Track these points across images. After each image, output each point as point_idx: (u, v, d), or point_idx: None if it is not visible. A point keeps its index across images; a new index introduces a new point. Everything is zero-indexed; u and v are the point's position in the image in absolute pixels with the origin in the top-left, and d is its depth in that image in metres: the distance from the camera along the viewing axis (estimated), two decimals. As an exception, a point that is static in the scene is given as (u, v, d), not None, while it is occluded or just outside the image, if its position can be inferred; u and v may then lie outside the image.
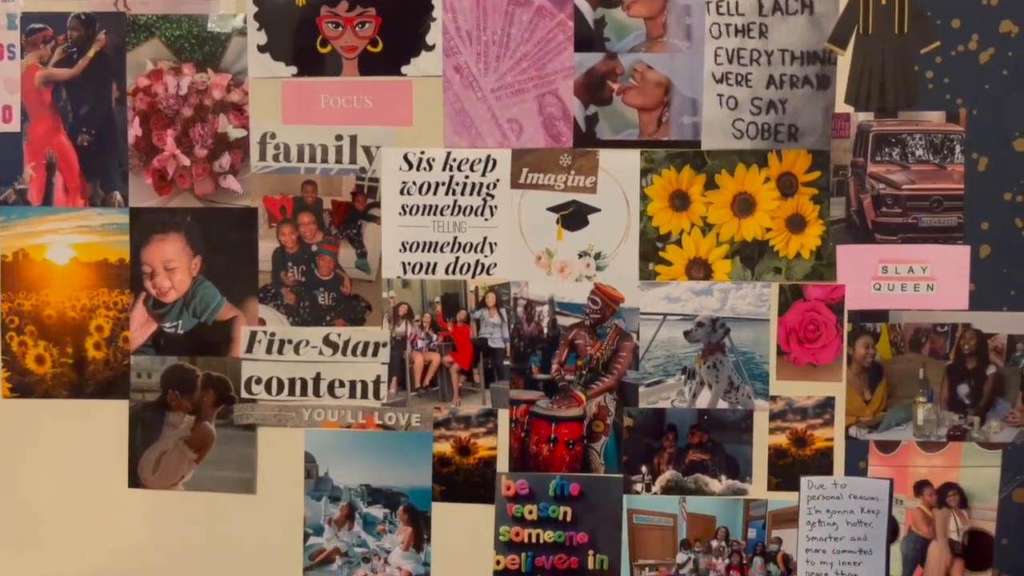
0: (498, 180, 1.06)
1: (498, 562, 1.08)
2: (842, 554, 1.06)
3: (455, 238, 1.07)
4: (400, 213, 1.07)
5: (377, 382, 1.08)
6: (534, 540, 1.08)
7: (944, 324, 1.05)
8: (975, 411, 1.05)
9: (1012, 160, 1.04)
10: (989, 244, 1.05)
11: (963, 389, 1.05)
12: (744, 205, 1.06)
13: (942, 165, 1.04)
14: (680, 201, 1.06)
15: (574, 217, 1.06)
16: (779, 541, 1.07)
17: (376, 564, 1.08)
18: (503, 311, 1.07)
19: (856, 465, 1.06)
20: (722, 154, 1.05)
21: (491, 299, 1.07)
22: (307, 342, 1.08)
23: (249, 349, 1.08)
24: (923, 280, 1.05)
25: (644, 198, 1.06)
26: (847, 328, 1.06)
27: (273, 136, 1.07)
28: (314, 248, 1.08)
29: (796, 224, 1.06)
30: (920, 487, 1.06)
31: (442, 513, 1.08)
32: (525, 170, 1.06)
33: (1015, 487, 1.05)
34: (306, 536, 1.09)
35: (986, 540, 1.06)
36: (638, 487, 1.07)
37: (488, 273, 1.07)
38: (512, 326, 1.07)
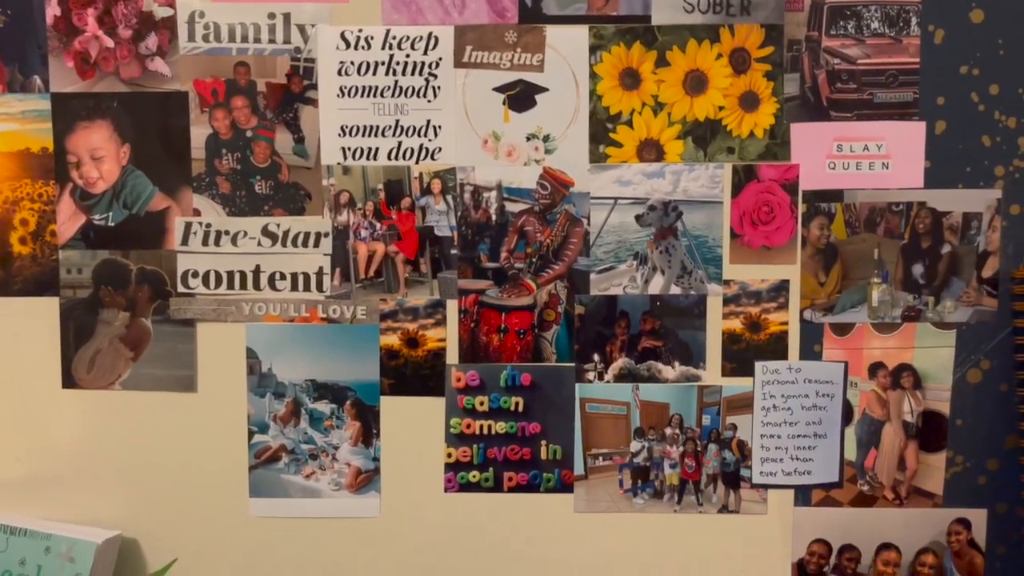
0: (440, 59, 1.02)
1: (449, 455, 1.06)
2: (797, 439, 1.05)
3: (397, 121, 1.02)
4: (338, 95, 1.02)
5: (320, 274, 1.04)
6: (486, 432, 1.05)
7: (899, 203, 1.03)
8: (929, 291, 1.04)
9: (969, 32, 1.01)
10: (944, 120, 1.02)
11: (918, 269, 1.04)
12: (696, 83, 1.02)
13: (898, 38, 1.01)
14: (630, 80, 1.02)
15: (521, 97, 1.02)
16: (733, 427, 1.06)
17: (324, 461, 1.06)
18: (449, 198, 1.03)
19: (811, 349, 1.05)
20: (673, 29, 1.01)
21: (436, 185, 1.03)
22: (245, 233, 1.04)
23: (184, 241, 1.04)
24: (878, 158, 1.03)
25: (593, 76, 1.02)
26: (801, 209, 1.03)
27: (202, 15, 1.01)
28: (249, 134, 1.03)
29: (749, 102, 1.02)
30: (874, 369, 1.05)
31: (391, 407, 1.05)
32: (469, 48, 1.02)
33: (969, 367, 1.05)
34: (250, 434, 1.05)
35: (940, 421, 1.05)
36: (590, 376, 1.05)
37: (432, 158, 1.03)
38: (459, 213, 1.04)
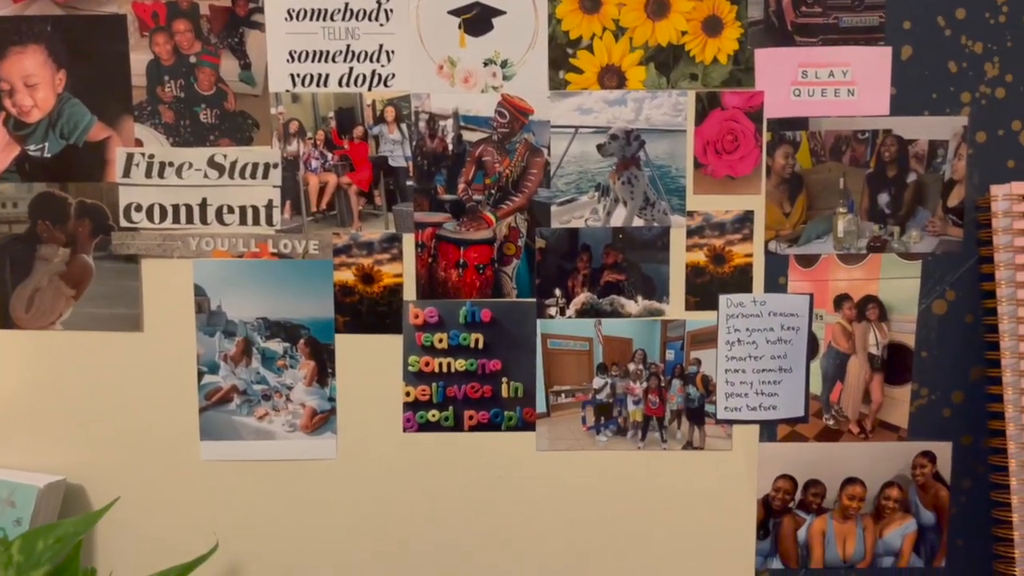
0: (393, -19, 0.98)
1: (408, 393, 1.03)
2: (762, 373, 1.04)
3: (348, 46, 0.98)
4: (286, 19, 0.97)
5: (269, 207, 1.00)
6: (445, 370, 1.03)
7: (865, 131, 1.01)
8: (895, 221, 1.02)
9: (935, -46, 0.99)
10: (911, 45, 1.00)
11: (883, 198, 1.02)
12: (658, 7, 0.99)
13: (864, -41, 0.99)
14: (591, 3, 0.99)
15: (478, 21, 0.98)
16: (698, 362, 1.04)
17: (278, 401, 1.02)
18: (404, 126, 0.99)
19: (776, 281, 1.03)
20: (634, -50, 0.98)
21: (390, 113, 0.99)
22: (190, 164, 0.99)
23: (126, 173, 0.99)
24: (844, 85, 1.00)
25: None
26: (766, 137, 1.01)
27: (139, -67, 0.96)
28: (192, 60, 0.98)
29: (712, 27, 0.99)
30: (840, 301, 1.03)
31: (346, 345, 1.02)
32: (422, -31, 0.98)
33: (934, 298, 1.03)
34: (200, 375, 1.01)
35: (905, 353, 1.04)
36: (552, 311, 1.03)
37: (386, 85, 0.99)
38: (414, 143, 1.00)
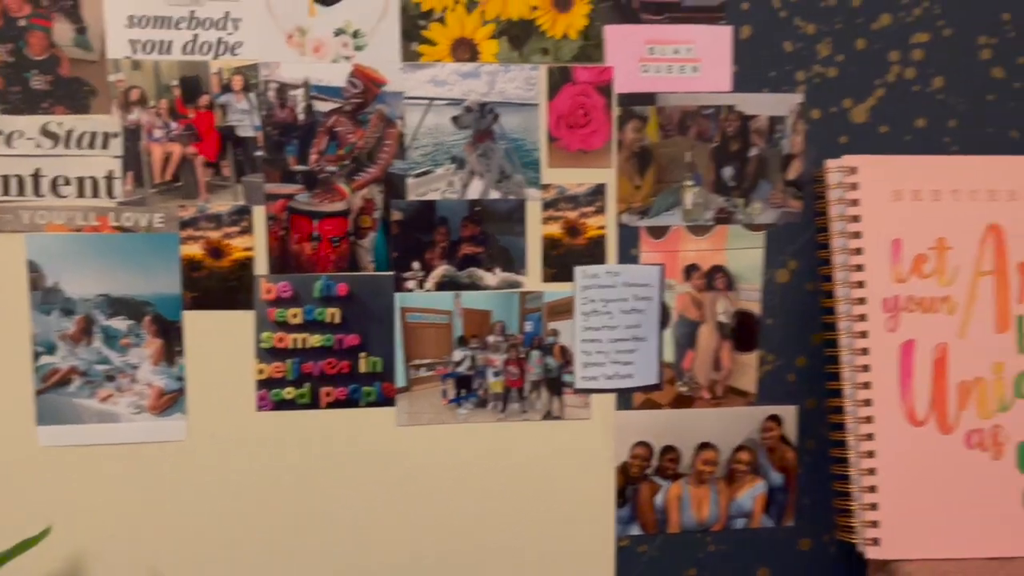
0: (239, -53, 0.96)
1: (261, 371, 1.00)
2: (617, 343, 1.06)
3: (192, 12, 0.95)
4: (124, -18, 0.94)
5: (110, 178, 0.96)
6: (300, 345, 1.01)
7: (709, 107, 1.05)
8: (739, 193, 1.07)
9: (770, -61, 1.04)
10: (750, 24, 1.05)
11: (728, 172, 1.06)
12: (509, -19, 1.01)
13: (704, -58, 1.03)
14: (442, -25, 1.00)
15: (327, -10, 0.98)
16: (555, 333, 1.05)
17: (122, 382, 0.98)
18: (252, 95, 0.97)
19: (628, 253, 1.06)
20: (484, -75, 0.99)
21: (237, 82, 0.97)
22: (21, 133, 0.94)
23: (-51, 142, 0.93)
24: (688, 61, 1.04)
25: (403, -30, 0.99)
26: (616, 112, 1.04)
27: None
28: (22, 23, 0.93)
29: (562, 3, 1.02)
30: (689, 271, 1.07)
31: (195, 322, 0.99)
32: (269, -63, 0.96)
33: (777, 267, 1.08)
34: (36, 355, 0.96)
35: (752, 321, 1.09)
36: (410, 284, 1.02)
37: (233, 53, 0.97)
38: (263, 113, 0.98)
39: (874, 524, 1.00)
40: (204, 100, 0.96)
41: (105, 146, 0.95)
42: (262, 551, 1.02)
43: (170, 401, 0.99)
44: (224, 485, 1.01)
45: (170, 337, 0.98)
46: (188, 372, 0.99)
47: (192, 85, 0.96)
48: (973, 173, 1.04)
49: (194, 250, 0.98)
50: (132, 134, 0.96)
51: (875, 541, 1.00)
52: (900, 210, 1.03)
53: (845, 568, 1.10)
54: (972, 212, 1.03)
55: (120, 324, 0.97)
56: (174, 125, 0.96)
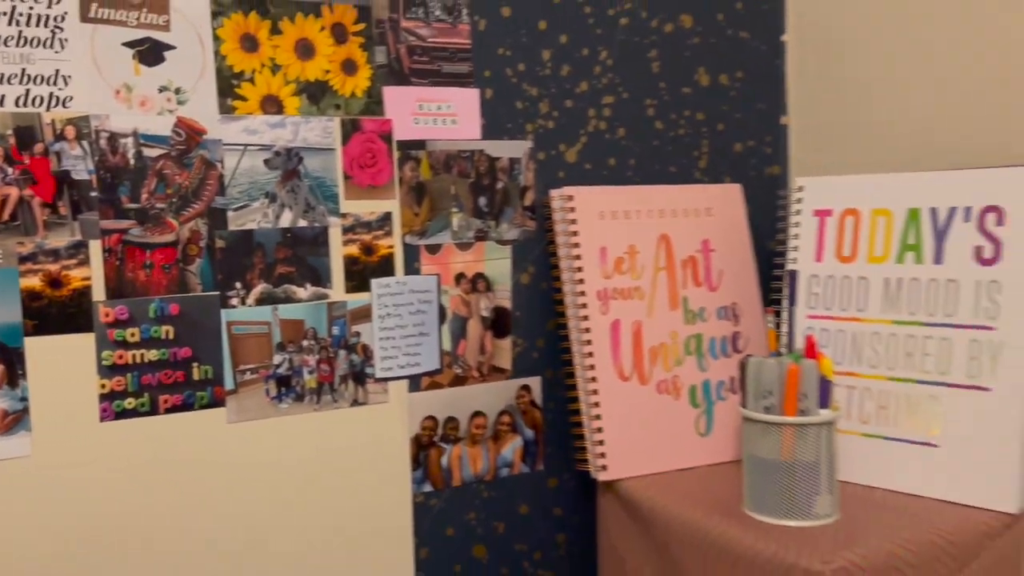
0: (66, 13, 1.08)
1: (103, 386, 1.12)
2: (407, 338, 1.33)
3: (23, 70, 1.06)
4: (-44, 40, 1.02)
5: (-54, 219, 1.03)
6: (139, 360, 1.14)
7: (465, 150, 1.36)
8: (491, 216, 1.39)
9: (502, 23, 1.37)
10: (491, 88, 1.38)
11: (482, 200, 1.38)
12: (305, 49, 1.23)
13: (454, 24, 1.34)
14: (250, 43, 1.19)
15: (150, 53, 1.13)
16: (358, 334, 1.29)
17: (-35, 408, 1.05)
18: (85, 143, 1.10)
19: (412, 266, 1.33)
20: (283, 3, 1.21)
21: (70, 132, 1.09)
22: None
23: None
24: (448, 116, 1.34)
25: (217, 39, 1.17)
26: (396, 155, 1.31)
27: None
28: None
29: (349, 68, 1.26)
30: (459, 278, 1.37)
31: (37, 346, 1.09)
32: (95, 5, 1.09)
33: (521, 273, 1.42)
34: None
35: (506, 314, 1.41)
36: (234, 301, 1.20)
37: (64, 106, 1.09)
38: (96, 158, 1.11)
39: (603, 456, 1.37)
40: (39, 148, 1.07)
41: (-60, 190, 1.02)
42: (113, 551, 1.14)
43: (14, 421, 1.07)
44: (72, 492, 1.11)
45: (12, 362, 1.07)
46: (31, 392, 1.08)
47: (26, 134, 1.06)
48: (649, 198, 1.45)
49: (33, 282, 1.08)
50: (-32, 178, 1.04)
51: (604, 468, 1.37)
52: (604, 226, 1.41)
53: (583, 495, 1.47)
54: (650, 226, 1.45)
55: (-39, 354, 1.04)
56: (10, 170, 1.06)
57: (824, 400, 1.13)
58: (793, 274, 1.34)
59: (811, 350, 1.19)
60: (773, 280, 1.44)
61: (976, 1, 1.29)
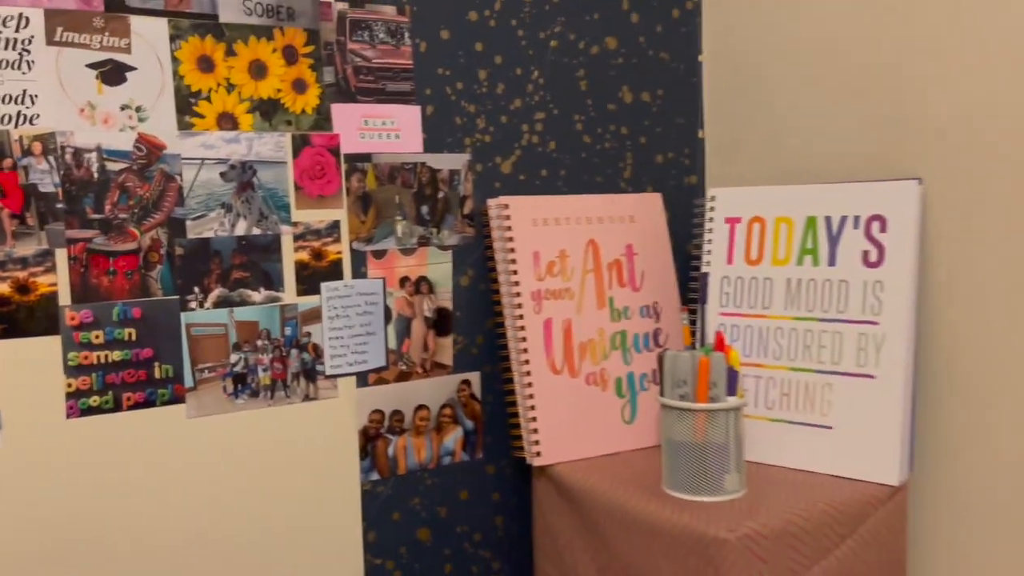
0: (33, 36, 1.15)
1: (70, 385, 1.20)
2: (355, 338, 1.43)
3: (-7, 89, 1.13)
4: (-72, 62, 1.09)
5: (-81, 230, 1.10)
6: (103, 361, 1.22)
7: (409, 163, 1.47)
8: (433, 224, 1.50)
9: (441, 45, 1.48)
10: (432, 105, 1.48)
11: (425, 209, 1.49)
12: (258, 70, 1.32)
13: (397, 46, 1.44)
14: (206, 64, 1.28)
15: (112, 73, 1.21)
16: (309, 334, 1.39)
17: (-62, 408, 1.11)
18: (51, 158, 1.17)
19: (360, 270, 1.43)
20: (237, 27, 1.30)
21: (37, 147, 1.16)
22: None
23: None
24: (392, 131, 1.45)
25: (175, 60, 1.25)
26: (344, 167, 1.40)
27: None
28: None
29: (300, 87, 1.36)
30: (403, 281, 1.47)
31: (6, 349, 1.16)
32: (60, 29, 1.17)
33: (461, 276, 1.53)
34: None
35: (448, 314, 1.52)
36: (193, 305, 1.29)
37: (31, 123, 1.16)
38: (62, 172, 1.18)
39: (537, 443, 1.49)
40: (7, 163, 1.14)
41: (-87, 203, 1.09)
42: (78, 542, 1.21)
43: (-15, 419, 1.14)
44: (40, 484, 1.18)
45: (-17, 364, 1.14)
46: (1, 392, 1.15)
47: (-5, 150, 1.14)
48: (577, 206, 1.58)
49: (3, 288, 1.15)
50: (-60, 192, 1.10)
51: (538, 454, 1.49)
52: (537, 232, 1.53)
53: (519, 480, 1.59)
54: (579, 232, 1.57)
55: (-66, 357, 1.11)
56: (-20, 183, 1.13)
57: (732, 388, 1.28)
58: (705, 276, 1.48)
59: (720, 344, 1.33)
60: (690, 281, 1.59)
61: (868, 35, 1.45)
